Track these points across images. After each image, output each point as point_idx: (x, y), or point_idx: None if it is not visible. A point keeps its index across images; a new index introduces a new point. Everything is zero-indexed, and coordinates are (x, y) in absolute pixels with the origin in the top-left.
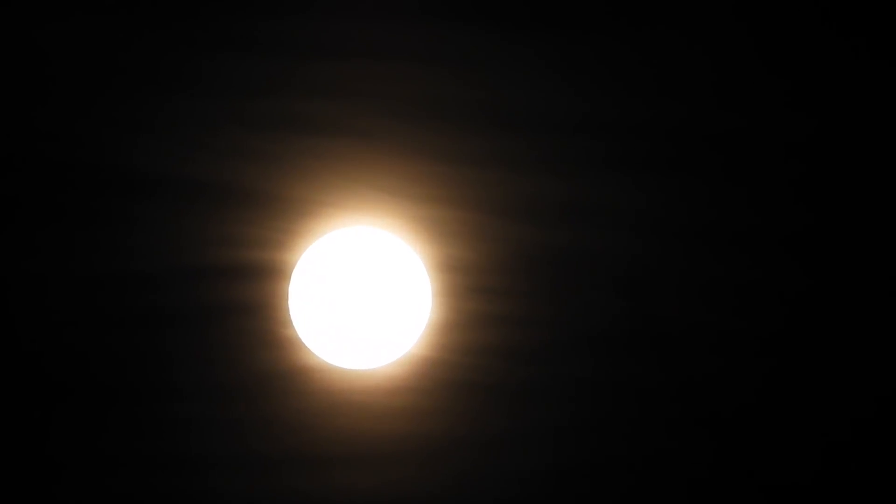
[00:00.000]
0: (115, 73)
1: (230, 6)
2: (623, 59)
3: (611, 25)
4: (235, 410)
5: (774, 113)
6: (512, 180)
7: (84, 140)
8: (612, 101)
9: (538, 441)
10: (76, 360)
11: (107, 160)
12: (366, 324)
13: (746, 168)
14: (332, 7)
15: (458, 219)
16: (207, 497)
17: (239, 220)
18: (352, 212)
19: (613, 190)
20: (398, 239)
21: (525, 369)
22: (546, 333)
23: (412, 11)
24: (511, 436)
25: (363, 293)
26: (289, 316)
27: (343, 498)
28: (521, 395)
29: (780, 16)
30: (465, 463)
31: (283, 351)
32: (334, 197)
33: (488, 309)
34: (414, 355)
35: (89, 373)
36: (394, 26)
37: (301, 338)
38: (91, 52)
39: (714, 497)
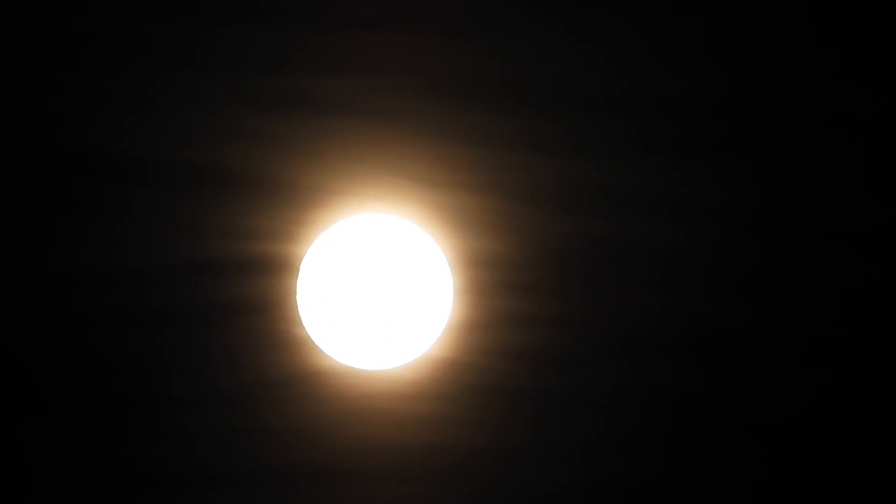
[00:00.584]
0: (102, 45)
1: None
2: (662, 27)
3: None
4: (240, 419)
5: (830, 86)
6: (542, 164)
7: (68, 120)
8: (650, 75)
9: (567, 453)
10: (62, 366)
11: (93, 142)
12: (380, 321)
13: (799, 149)
14: None
15: (483, 207)
16: None
17: (241, 210)
18: (365, 199)
19: (652, 175)
20: (416, 227)
21: (554, 374)
22: (578, 335)
23: None
24: (537, 447)
25: (378, 287)
26: (297, 313)
27: None
28: (550, 402)
29: None
30: (486, 476)
31: (291, 352)
32: (346, 183)
33: (515, 307)
34: (433, 357)
35: (77, 379)
36: None
37: (311, 337)
38: (74, 20)
39: None
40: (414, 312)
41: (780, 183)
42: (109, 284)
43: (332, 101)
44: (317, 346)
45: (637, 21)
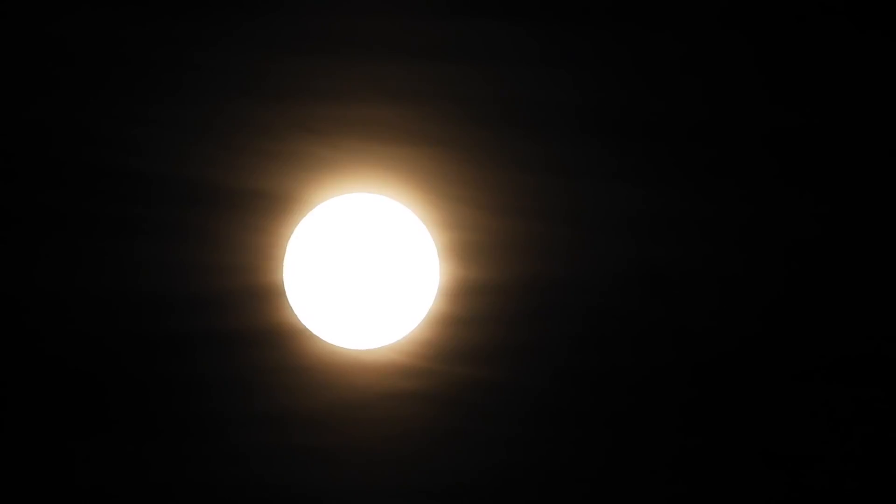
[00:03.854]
0: (117, 64)
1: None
2: (621, 52)
3: (608, 20)
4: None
5: (759, 106)
6: (516, 178)
7: (86, 136)
8: (608, 95)
9: (547, 435)
10: (118, 386)
11: (106, 159)
12: (365, 301)
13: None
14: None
15: (474, 193)
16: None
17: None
18: (360, 181)
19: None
20: (404, 208)
21: (537, 365)
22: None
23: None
24: (523, 431)
25: (365, 267)
26: (286, 298)
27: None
28: (528, 394)
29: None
30: (462, 460)
31: (285, 339)
32: (342, 164)
33: (500, 294)
34: (415, 339)
35: (129, 401)
36: (396, 21)
37: (301, 320)
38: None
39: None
40: (399, 295)
41: (794, 202)
42: (112, 306)
43: (321, 84)
44: (308, 330)
45: (601, 43)
